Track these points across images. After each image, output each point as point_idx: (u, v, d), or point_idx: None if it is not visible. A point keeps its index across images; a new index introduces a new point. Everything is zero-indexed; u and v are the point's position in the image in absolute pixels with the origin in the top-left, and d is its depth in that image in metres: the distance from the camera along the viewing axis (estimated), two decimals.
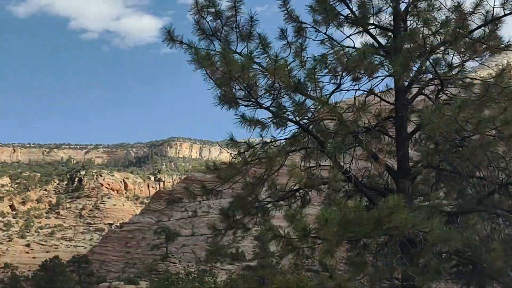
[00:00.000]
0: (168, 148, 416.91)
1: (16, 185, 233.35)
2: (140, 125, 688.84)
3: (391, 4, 12.31)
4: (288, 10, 12.32)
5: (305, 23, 12.45)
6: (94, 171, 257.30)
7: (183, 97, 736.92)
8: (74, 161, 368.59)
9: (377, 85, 11.90)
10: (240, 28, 11.46)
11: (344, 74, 10.91)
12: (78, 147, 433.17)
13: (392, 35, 12.29)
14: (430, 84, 12.32)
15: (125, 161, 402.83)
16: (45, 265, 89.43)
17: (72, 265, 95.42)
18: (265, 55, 10.89)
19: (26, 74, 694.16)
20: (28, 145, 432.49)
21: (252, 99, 10.55)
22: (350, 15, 12.34)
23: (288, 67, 10.13)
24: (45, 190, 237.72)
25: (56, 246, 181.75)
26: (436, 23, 11.58)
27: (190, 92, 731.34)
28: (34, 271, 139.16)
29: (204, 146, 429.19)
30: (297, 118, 10.97)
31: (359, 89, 11.63)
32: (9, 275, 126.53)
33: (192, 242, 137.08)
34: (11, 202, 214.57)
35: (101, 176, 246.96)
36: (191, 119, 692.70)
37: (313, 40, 12.06)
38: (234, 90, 10.32)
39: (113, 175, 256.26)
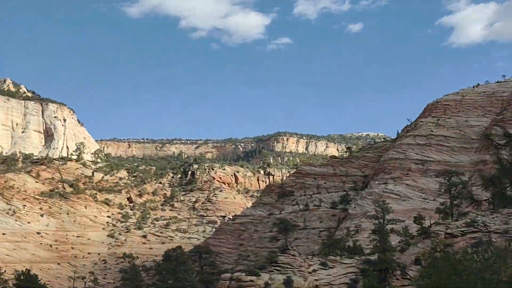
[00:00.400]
0: (275, 142, 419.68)
1: (133, 178, 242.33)
2: (247, 120, 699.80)
3: None
4: None
5: None
6: (206, 165, 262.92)
7: (289, 92, 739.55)
8: (185, 156, 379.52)
9: None
10: None
11: None
12: (189, 142, 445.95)
13: None
14: None
15: (234, 155, 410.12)
16: (169, 255, 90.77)
17: (194, 255, 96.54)
18: None
19: (138, 73, 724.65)
20: (142, 140, 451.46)
21: None
22: None
23: None
24: (160, 183, 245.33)
25: (171, 238, 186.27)
26: None
27: (296, 87, 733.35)
28: (153, 260, 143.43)
29: (310, 141, 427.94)
30: None
31: None
32: (128, 265, 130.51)
33: (304, 236, 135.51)
34: (129, 195, 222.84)
35: (213, 169, 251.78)
36: (297, 114, 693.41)
37: None
38: None
39: (224, 169, 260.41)
